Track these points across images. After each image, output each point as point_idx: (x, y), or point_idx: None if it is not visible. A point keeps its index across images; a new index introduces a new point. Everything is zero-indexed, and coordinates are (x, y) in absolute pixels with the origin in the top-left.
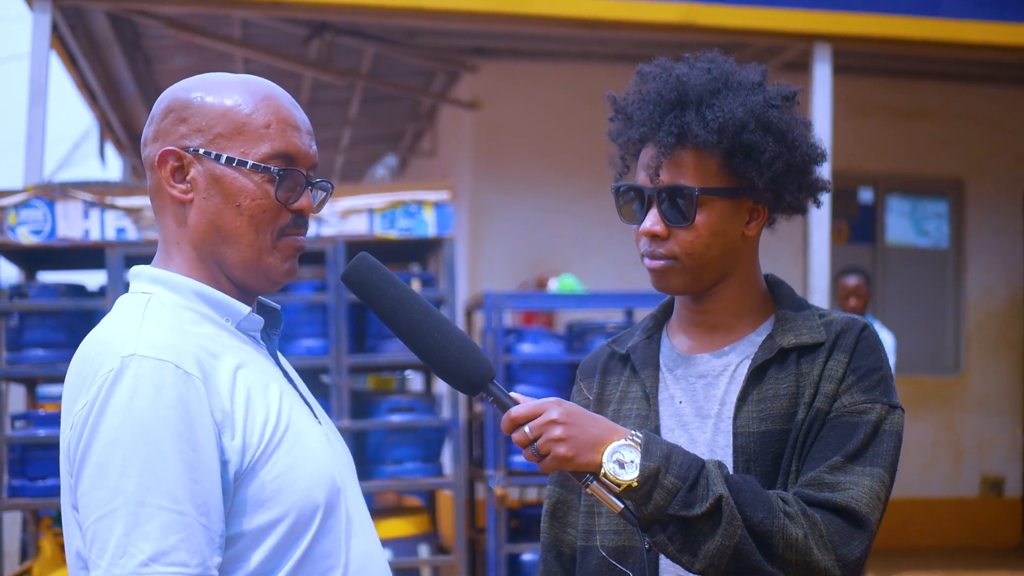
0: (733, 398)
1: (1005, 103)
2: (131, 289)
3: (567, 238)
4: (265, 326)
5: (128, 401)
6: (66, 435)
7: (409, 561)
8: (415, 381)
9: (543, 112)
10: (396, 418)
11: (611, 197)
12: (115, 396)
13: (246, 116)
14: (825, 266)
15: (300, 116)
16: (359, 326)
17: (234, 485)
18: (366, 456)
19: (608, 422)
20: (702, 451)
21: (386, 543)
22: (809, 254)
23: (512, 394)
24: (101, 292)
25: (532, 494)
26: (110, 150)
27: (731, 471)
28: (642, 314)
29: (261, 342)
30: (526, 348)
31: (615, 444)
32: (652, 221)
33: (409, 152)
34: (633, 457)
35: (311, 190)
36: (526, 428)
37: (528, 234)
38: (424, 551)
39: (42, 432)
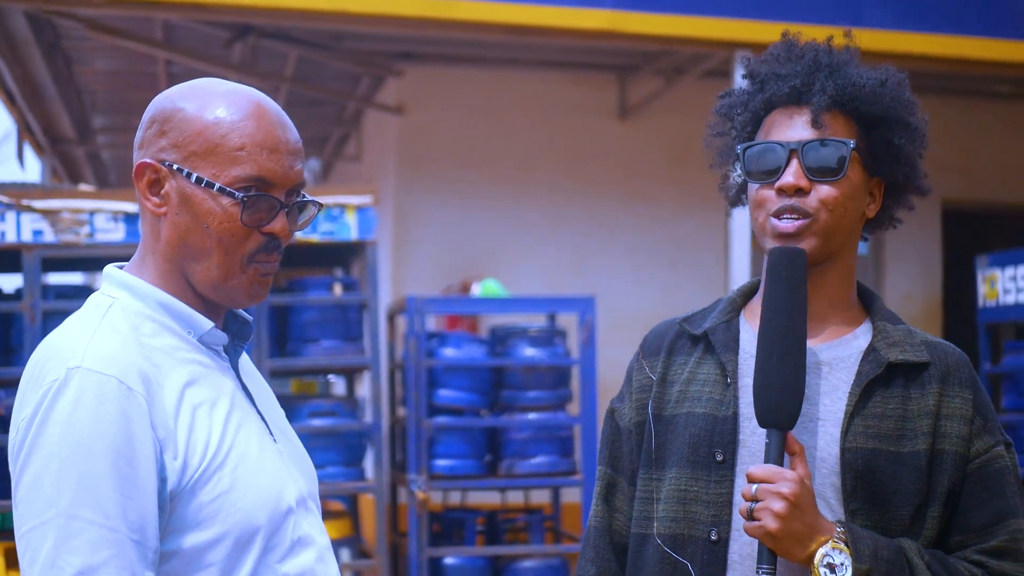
0: (835, 406)
1: (925, 113)
2: (101, 290)
3: (492, 243)
4: (233, 337)
5: (69, 414)
6: (11, 438)
7: None
8: (338, 385)
9: (468, 117)
10: (317, 422)
11: (535, 202)
12: (57, 408)
13: (221, 137)
14: (746, 274)
15: (283, 136)
16: (281, 329)
17: (172, 503)
18: None
19: (823, 519)
20: None
21: None
22: (729, 261)
23: (791, 444)
24: (17, 295)
25: (455, 498)
26: (29, 152)
27: (838, 484)
28: (566, 319)
29: (224, 355)
30: (448, 352)
31: (826, 548)
32: (795, 174)
33: (334, 156)
34: (843, 560)
35: (288, 213)
36: (754, 487)
37: (452, 239)
38: (346, 555)
39: None
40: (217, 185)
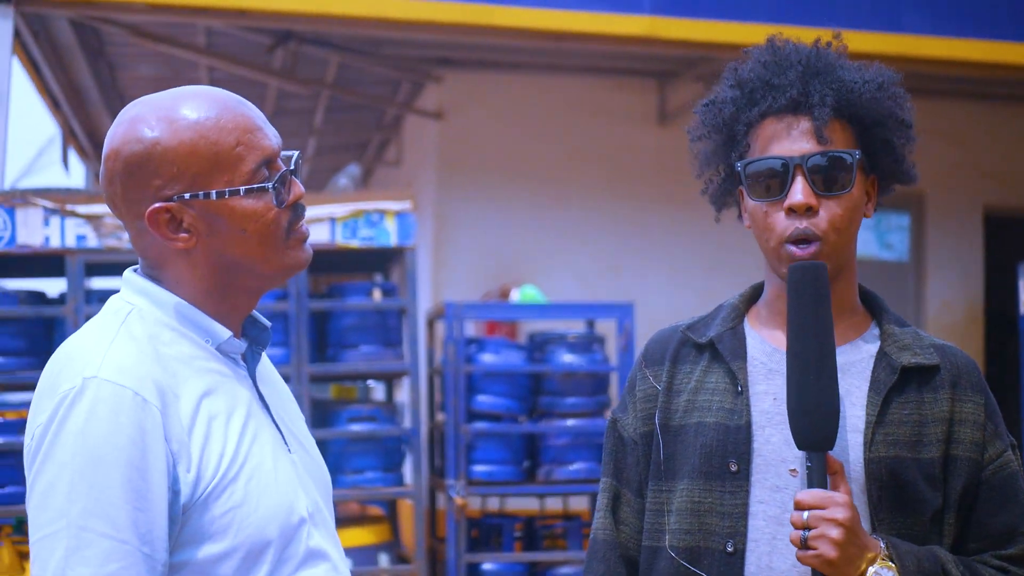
0: (851, 412)
1: (966, 118)
2: (120, 295)
3: (531, 249)
4: (251, 343)
5: (84, 424)
6: (26, 443)
7: (369, 570)
8: (377, 390)
9: (507, 123)
10: (356, 427)
11: (574, 208)
12: (72, 417)
13: (213, 145)
14: None
15: (252, 113)
16: (320, 335)
17: (185, 516)
18: (326, 465)
19: (868, 536)
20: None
21: (346, 552)
22: None
23: (831, 463)
24: (61, 299)
25: (493, 504)
26: (73, 157)
27: (862, 494)
28: (604, 325)
29: (242, 363)
30: (487, 358)
31: (875, 567)
32: (804, 192)
33: (374, 161)
34: None
35: (293, 174)
36: (805, 514)
37: (492, 244)
38: (384, 560)
39: (1, 439)
40: (243, 189)
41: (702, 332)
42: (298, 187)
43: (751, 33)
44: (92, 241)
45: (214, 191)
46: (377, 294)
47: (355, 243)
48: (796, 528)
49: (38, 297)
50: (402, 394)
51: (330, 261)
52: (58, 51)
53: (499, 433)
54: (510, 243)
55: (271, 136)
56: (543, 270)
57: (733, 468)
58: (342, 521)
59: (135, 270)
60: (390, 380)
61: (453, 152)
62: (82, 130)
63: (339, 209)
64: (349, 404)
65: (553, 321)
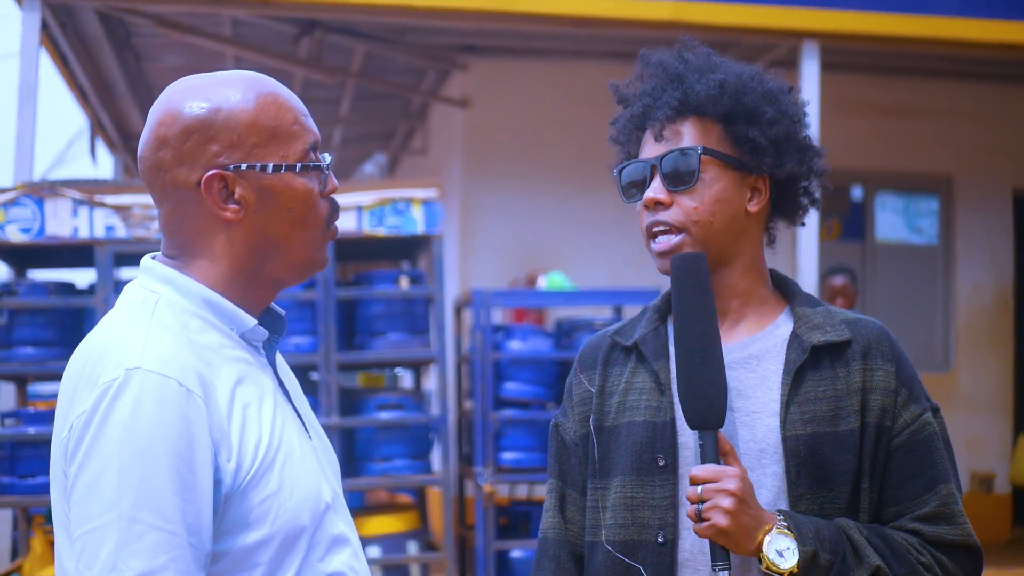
0: (768, 397)
1: (995, 100)
2: (140, 283)
3: (558, 236)
4: (268, 332)
5: (130, 416)
6: (62, 436)
7: (398, 558)
8: (405, 378)
9: (533, 110)
10: (385, 415)
11: (600, 195)
12: (117, 409)
13: (273, 119)
14: (813, 264)
15: (300, 101)
16: (348, 323)
17: (225, 505)
18: (355, 453)
19: (764, 509)
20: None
21: (375, 540)
22: (797, 251)
23: (723, 443)
24: (90, 290)
25: (521, 491)
26: (101, 148)
27: (782, 473)
28: (631, 311)
29: (262, 351)
30: (515, 345)
31: (771, 535)
32: (655, 189)
33: (401, 150)
34: (789, 544)
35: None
36: (699, 488)
37: (519, 232)
38: (413, 548)
39: (32, 430)
40: (299, 165)
41: (628, 335)
42: (334, 180)
43: (777, 16)
44: (121, 231)
45: (271, 164)
46: (404, 282)
47: (382, 231)
48: (692, 503)
49: (67, 288)
50: (430, 382)
51: (357, 249)
52: (85, 43)
53: (527, 420)
54: (537, 230)
55: (316, 127)
56: (570, 257)
57: (661, 463)
58: (371, 509)
59: (154, 257)
60: (418, 368)
61: (479, 140)
62: (110, 121)
63: (366, 197)
64: (377, 392)
65: (581, 308)
